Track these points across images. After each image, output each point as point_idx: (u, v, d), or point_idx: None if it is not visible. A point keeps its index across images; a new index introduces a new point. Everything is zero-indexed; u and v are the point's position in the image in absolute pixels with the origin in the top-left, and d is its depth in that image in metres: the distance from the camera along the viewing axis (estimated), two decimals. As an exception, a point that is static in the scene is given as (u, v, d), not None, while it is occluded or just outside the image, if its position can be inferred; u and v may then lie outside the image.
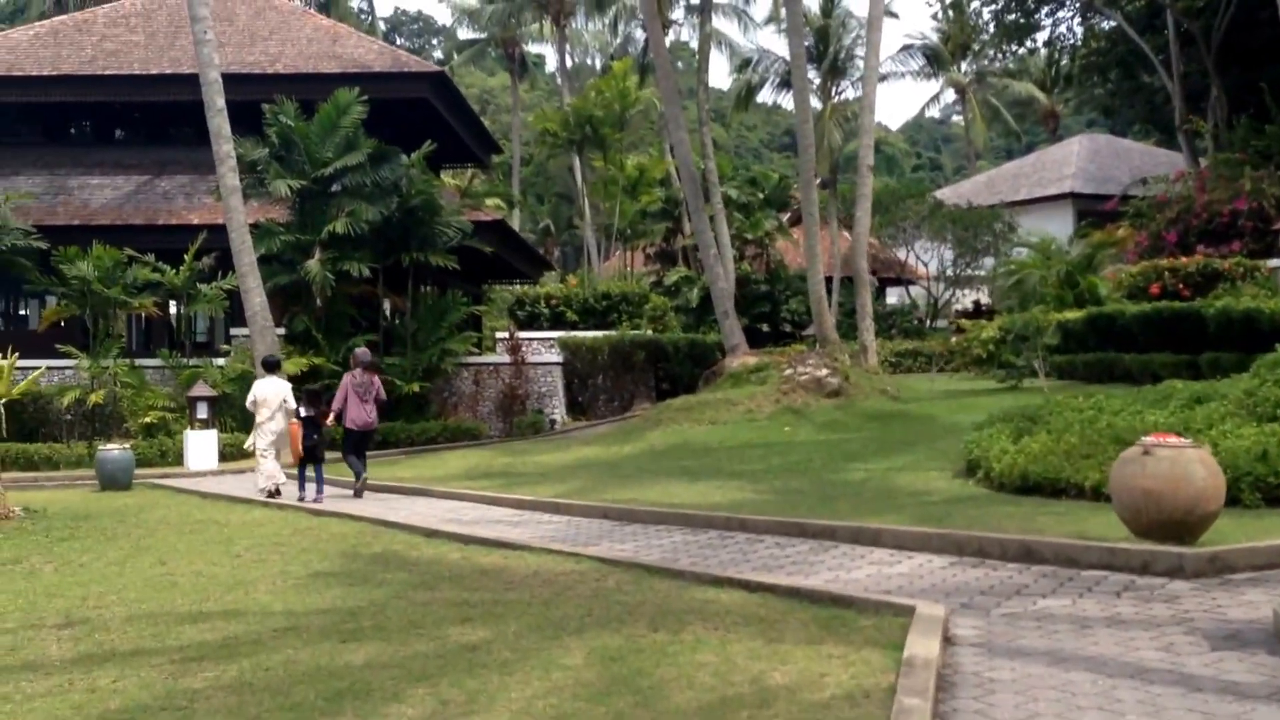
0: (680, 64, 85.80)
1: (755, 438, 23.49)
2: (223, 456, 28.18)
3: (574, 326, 37.26)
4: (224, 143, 29.79)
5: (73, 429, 31.37)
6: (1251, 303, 24.36)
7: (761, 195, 54.12)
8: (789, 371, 26.60)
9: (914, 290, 54.37)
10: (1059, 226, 46.72)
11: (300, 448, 20.67)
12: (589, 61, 78.65)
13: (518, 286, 44.73)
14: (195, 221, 34.13)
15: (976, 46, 66.97)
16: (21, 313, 40.64)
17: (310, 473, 20.62)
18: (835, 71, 49.59)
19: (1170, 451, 10.69)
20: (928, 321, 51.84)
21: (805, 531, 13.59)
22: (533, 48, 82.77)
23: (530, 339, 35.65)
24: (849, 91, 50.61)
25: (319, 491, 20.34)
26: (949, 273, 50.63)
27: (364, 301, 33.41)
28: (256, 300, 29.71)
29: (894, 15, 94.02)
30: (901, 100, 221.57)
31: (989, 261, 47.88)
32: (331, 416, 21.39)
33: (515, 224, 64.24)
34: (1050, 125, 78.20)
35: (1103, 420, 16.22)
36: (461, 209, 33.32)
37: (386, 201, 31.92)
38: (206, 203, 34.74)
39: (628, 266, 54.64)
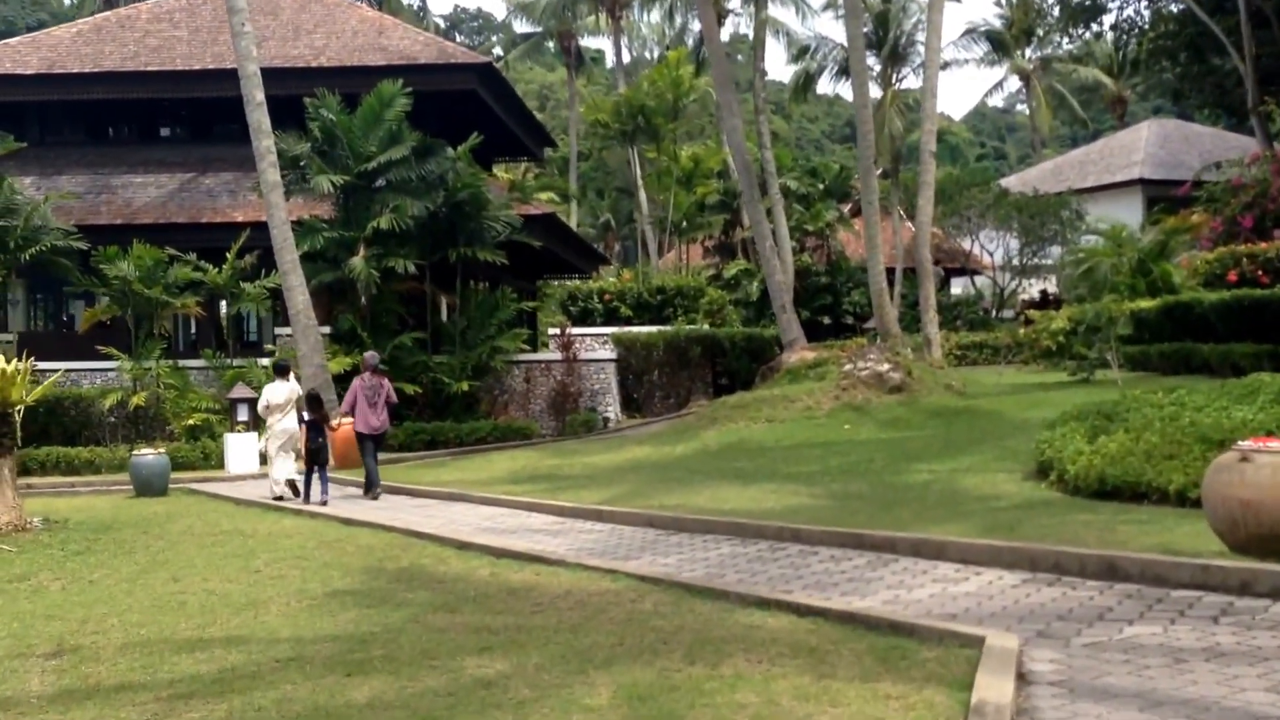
0: (740, 57, 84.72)
1: (813, 436, 22.40)
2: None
3: (628, 322, 36.29)
4: (264, 138, 29.03)
5: (115, 432, 30.72)
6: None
7: (822, 186, 53.05)
8: (849, 367, 25.46)
9: (979, 280, 52.97)
10: (1128, 214, 45.16)
11: (304, 451, 20.73)
12: (647, 54, 77.67)
13: (573, 282, 43.76)
14: (239, 219, 33.38)
15: (1041, 31, 65.27)
16: (68, 314, 40.04)
17: (315, 477, 20.60)
18: (895, 58, 48.31)
19: (1272, 458, 9.55)
20: (994, 312, 50.45)
21: (863, 543, 12.51)
22: (591, 42, 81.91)
23: (583, 335, 34.71)
24: (910, 79, 49.42)
25: (324, 493, 20.28)
26: (1015, 262, 49.22)
27: (411, 299, 32.57)
28: (299, 299, 28.91)
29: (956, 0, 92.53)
30: (964, 88, 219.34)
31: (1056, 250, 46.43)
32: (340, 420, 21.61)
33: (573, 219, 63.41)
34: (1117, 111, 76.27)
35: (1185, 417, 15.04)
36: (510, 203, 32.36)
37: (432, 196, 31.04)
38: (251, 200, 33.94)
39: (685, 260, 53.60)
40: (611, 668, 8.42)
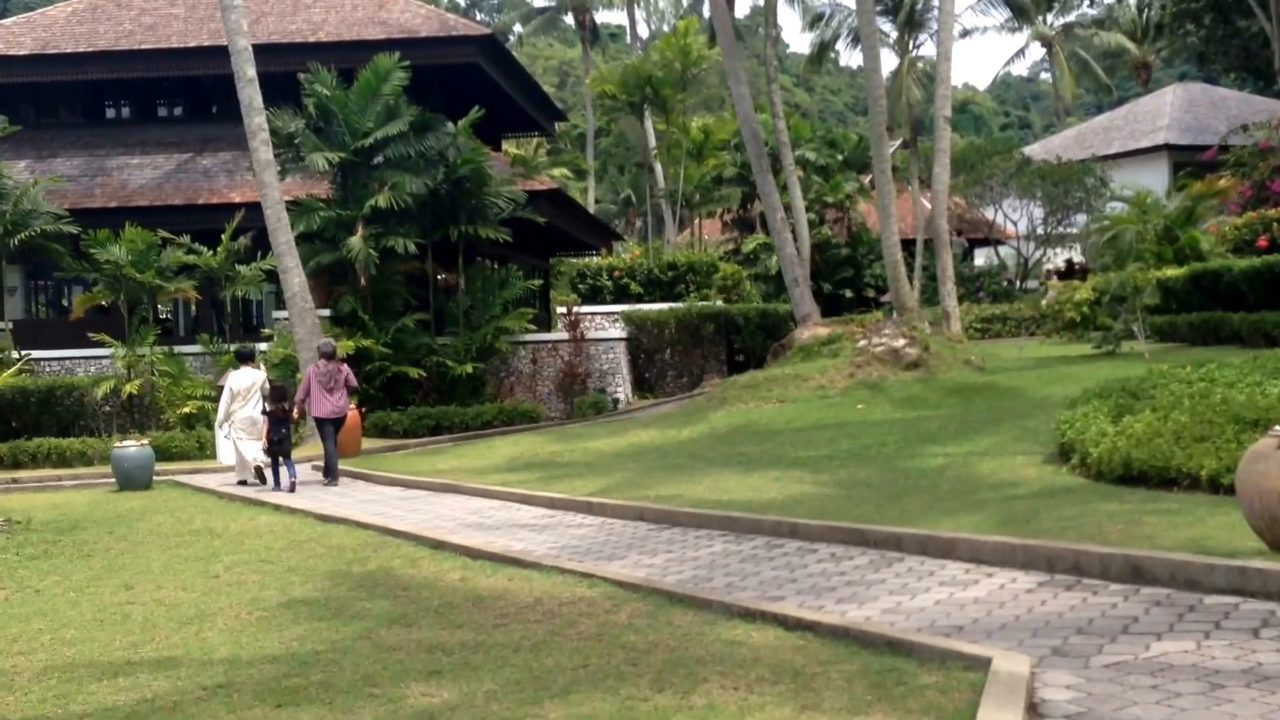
0: (760, 30, 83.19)
1: (825, 417, 21.34)
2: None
3: (639, 299, 35.20)
4: (255, 115, 28.07)
5: (110, 421, 29.85)
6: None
7: (841, 157, 51.89)
8: (863, 343, 24.36)
9: (1003, 251, 51.75)
10: (1154, 180, 43.87)
11: (267, 443, 20.81)
12: (665, 27, 76.38)
13: (584, 259, 42.63)
14: (237, 199, 32.47)
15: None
16: (68, 301, 39.18)
17: (282, 467, 20.73)
18: (912, 25, 46.99)
19: (1316, 444, 8.48)
20: (1018, 283, 49.26)
21: (866, 540, 11.48)
22: (608, 16, 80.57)
23: (592, 314, 33.68)
24: (928, 46, 48.10)
25: (291, 475, 20.43)
26: (1039, 231, 48.01)
27: (414, 280, 31.63)
28: (295, 281, 27.98)
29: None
30: (987, 57, 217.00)
31: (1081, 219, 45.18)
32: (296, 410, 21.31)
33: (590, 195, 62.31)
34: (1142, 77, 74.59)
35: (1216, 394, 13.97)
36: (514, 178, 31.35)
37: (432, 172, 30.07)
38: (249, 180, 32.97)
39: (696, 235, 52.48)
40: (570, 696, 7.43)
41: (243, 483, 21.48)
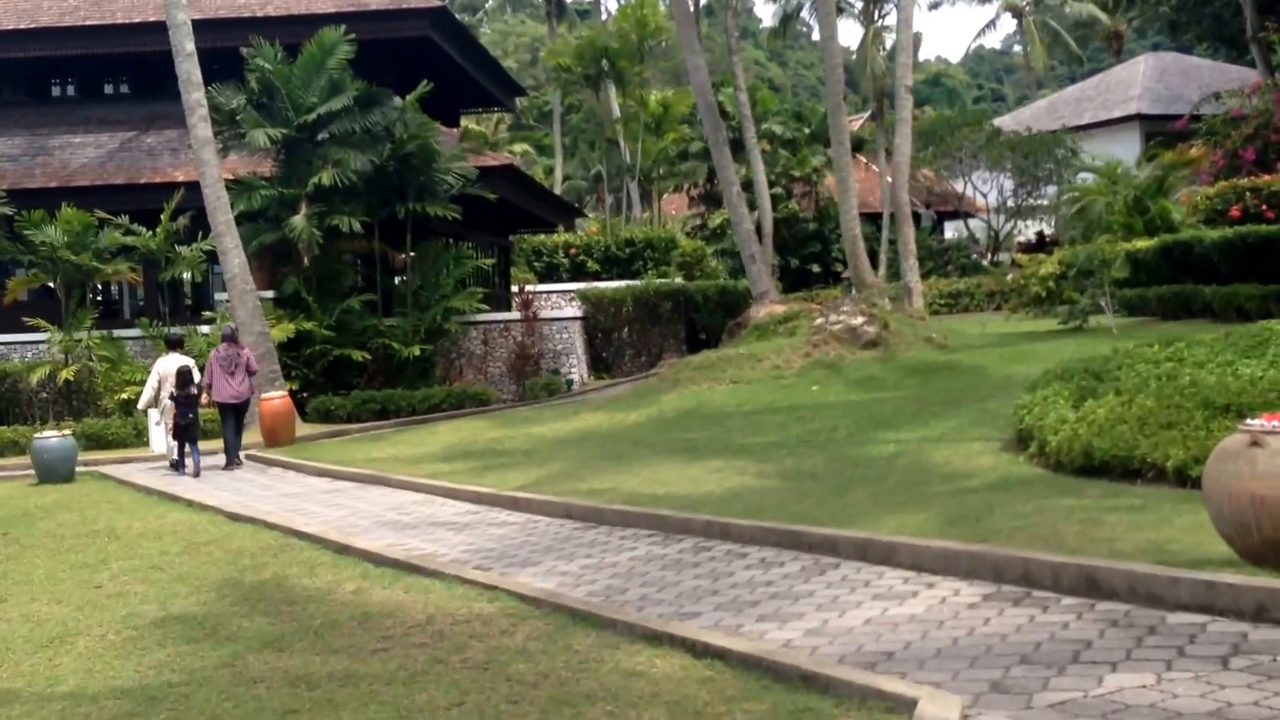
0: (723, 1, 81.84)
1: (778, 399, 20.33)
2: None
3: (596, 277, 34.15)
4: (194, 90, 27.02)
5: (48, 408, 28.73)
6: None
7: (808, 130, 50.81)
8: (820, 321, 23.33)
9: (973, 224, 50.78)
10: (1126, 151, 42.82)
11: (174, 428, 21.10)
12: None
13: (539, 237, 41.39)
14: (180, 178, 31.10)
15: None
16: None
17: (188, 453, 20.87)
18: (879, -8, 45.87)
19: (1292, 441, 7.49)
20: (988, 256, 48.36)
21: (800, 543, 10.48)
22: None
23: (547, 292, 32.61)
24: (894, 16, 46.97)
25: (196, 464, 20.51)
26: (1009, 204, 47.09)
27: (363, 259, 30.55)
28: (235, 261, 26.89)
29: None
30: (959, 30, 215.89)
31: (1052, 190, 44.27)
32: (204, 396, 21.43)
33: (558, 171, 61.07)
34: (1114, 47, 73.51)
35: (1185, 376, 13.01)
36: (464, 154, 30.21)
37: (378, 149, 28.99)
38: (193, 158, 31.72)
39: (657, 211, 51.31)
40: (434, 743, 6.42)
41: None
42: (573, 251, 34.76)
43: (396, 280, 30.62)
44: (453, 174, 29.36)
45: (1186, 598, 7.53)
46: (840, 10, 44.86)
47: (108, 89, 37.30)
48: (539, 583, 10.14)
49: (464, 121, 45.03)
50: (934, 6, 72.83)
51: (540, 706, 6.90)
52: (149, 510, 16.50)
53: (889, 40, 46.22)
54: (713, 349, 26.03)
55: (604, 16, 71.97)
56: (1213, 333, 16.74)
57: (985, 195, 47.28)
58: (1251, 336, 14.69)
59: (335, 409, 27.65)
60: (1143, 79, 53.09)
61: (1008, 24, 78.57)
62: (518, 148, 54.55)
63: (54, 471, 20.84)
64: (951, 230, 54.74)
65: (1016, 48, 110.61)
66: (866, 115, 53.45)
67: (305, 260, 28.51)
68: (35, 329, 28.65)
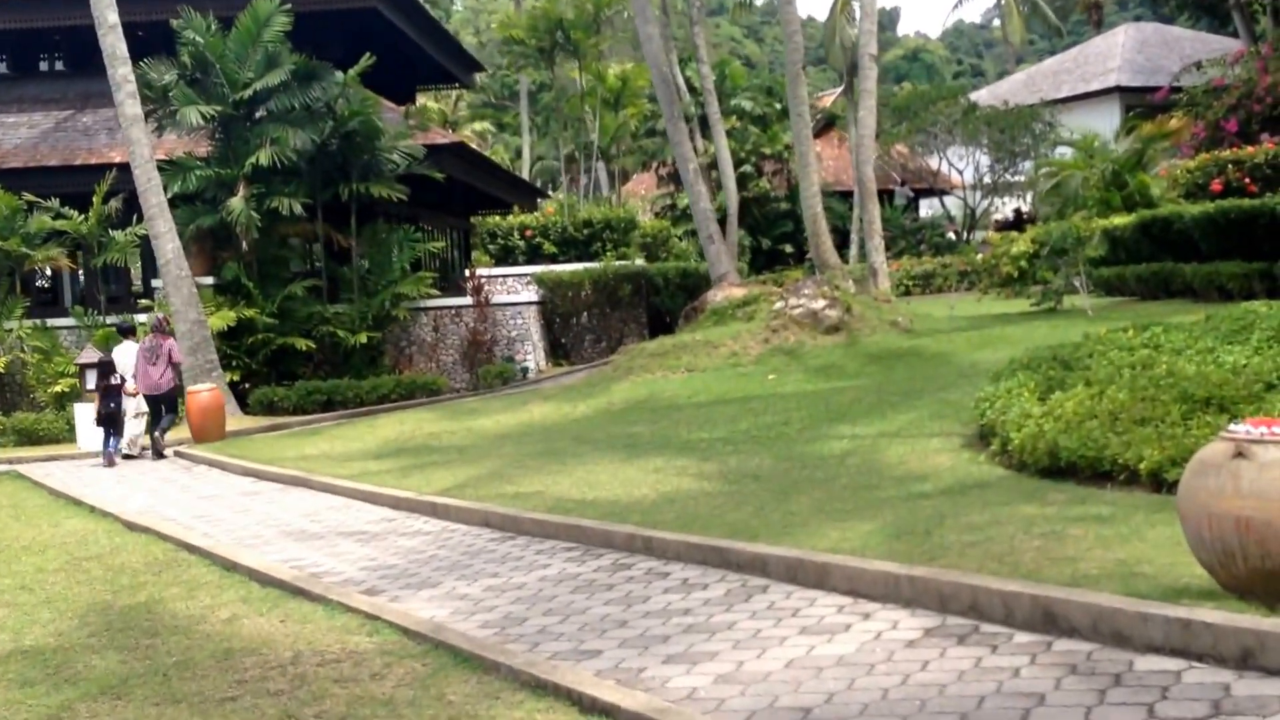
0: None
1: (732, 389, 19.15)
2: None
3: (553, 260, 32.87)
4: (120, 65, 25.90)
5: (-22, 402, 27.51)
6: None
7: (780, 106, 49.57)
8: (780, 305, 22.12)
9: (949, 201, 49.63)
10: (1105, 124, 41.67)
11: (97, 416, 21.20)
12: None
13: (492, 218, 40.00)
14: (117, 159, 29.74)
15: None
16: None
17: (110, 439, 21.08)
18: (848, -39, 44.58)
19: (1283, 454, 6.31)
20: (964, 234, 47.23)
21: (728, 561, 9.31)
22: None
23: (503, 276, 31.37)
24: (864, -16, 45.72)
25: (115, 451, 20.92)
26: (986, 180, 45.94)
27: (306, 243, 29.29)
28: (169, 246, 25.71)
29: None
30: (937, 3, 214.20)
31: (1029, 166, 43.11)
32: (132, 385, 21.55)
33: (526, 150, 59.64)
34: (1094, 18, 71.99)
35: (1161, 364, 11.84)
36: (412, 132, 28.92)
37: (319, 126, 27.75)
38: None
39: (631, 190, 49.96)
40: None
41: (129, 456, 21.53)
42: (529, 233, 33.47)
43: (344, 266, 29.30)
44: (398, 152, 28.13)
45: (1159, 638, 6.36)
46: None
47: (42, 66, 36.01)
48: (431, 610, 8.98)
49: (422, 99, 43.78)
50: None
51: (382, 784, 5.71)
52: (47, 517, 15.28)
53: (859, 11, 44.96)
54: (663, 336, 24.81)
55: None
56: (1193, 314, 15.65)
57: (961, 172, 46.20)
58: (1234, 320, 13.50)
59: (279, 400, 26.43)
60: (1122, 50, 51.87)
61: (985, -2, 77.17)
62: (478, 126, 53.21)
63: (-38, 472, 19.61)
64: (927, 208, 53.60)
65: (996, 22, 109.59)
66: (839, 90, 52.20)
67: (244, 244, 27.28)
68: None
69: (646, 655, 7.41)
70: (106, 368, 21.44)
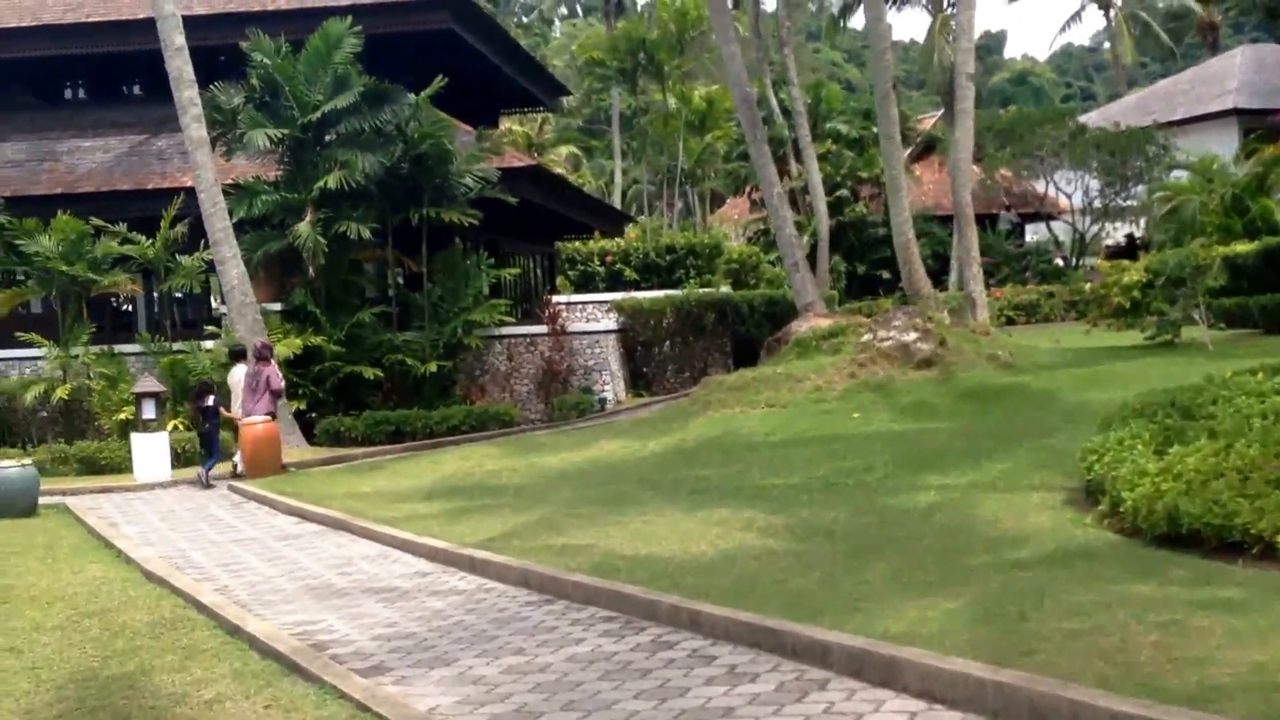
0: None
1: (813, 428, 17.70)
2: (185, 460, 23.35)
3: (635, 286, 31.56)
4: (185, 88, 25.11)
5: (45, 429, 26.72)
6: None
7: (875, 129, 47.93)
8: (868, 337, 20.62)
9: (1056, 226, 47.80)
10: (1223, 147, 39.84)
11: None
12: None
13: (579, 243, 38.73)
14: (187, 184, 28.89)
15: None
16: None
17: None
18: (945, -23, 43.02)
19: None
20: (1073, 261, 45.40)
21: (783, 645, 7.94)
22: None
23: (582, 302, 30.07)
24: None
25: (206, 469, 21.20)
26: (1096, 204, 44.16)
27: (376, 269, 28.35)
28: (233, 272, 24.82)
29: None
30: (1046, 26, 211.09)
31: (1142, 190, 41.27)
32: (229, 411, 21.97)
33: (618, 174, 58.64)
34: (1209, 39, 69.98)
35: (1297, 413, 10.30)
36: (486, 155, 27.80)
37: (388, 149, 26.70)
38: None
39: (723, 214, 48.56)
40: None
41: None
42: (609, 259, 32.17)
43: (416, 292, 28.26)
44: (471, 176, 27.01)
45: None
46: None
47: (121, 90, 35.41)
48: (437, 697, 7.74)
49: (506, 123, 42.77)
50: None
51: None
52: (73, 561, 14.17)
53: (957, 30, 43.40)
54: (739, 370, 23.40)
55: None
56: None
57: (1069, 196, 44.50)
58: (1377, 359, 11.91)
59: (345, 430, 25.37)
60: (1239, 71, 49.86)
61: (1097, 20, 74.99)
62: (563, 150, 52.10)
63: (11, 505, 18.57)
64: (1032, 234, 51.80)
65: (1106, 44, 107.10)
66: (939, 114, 50.60)
67: (311, 270, 26.31)
68: (28, 344, 26.63)
69: (669, 776, 6.06)
70: (202, 389, 22.06)
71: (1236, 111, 46.33)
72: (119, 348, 27.31)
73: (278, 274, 27.65)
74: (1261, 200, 26.27)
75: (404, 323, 27.83)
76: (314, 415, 26.11)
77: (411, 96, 27.16)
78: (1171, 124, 45.60)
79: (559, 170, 46.52)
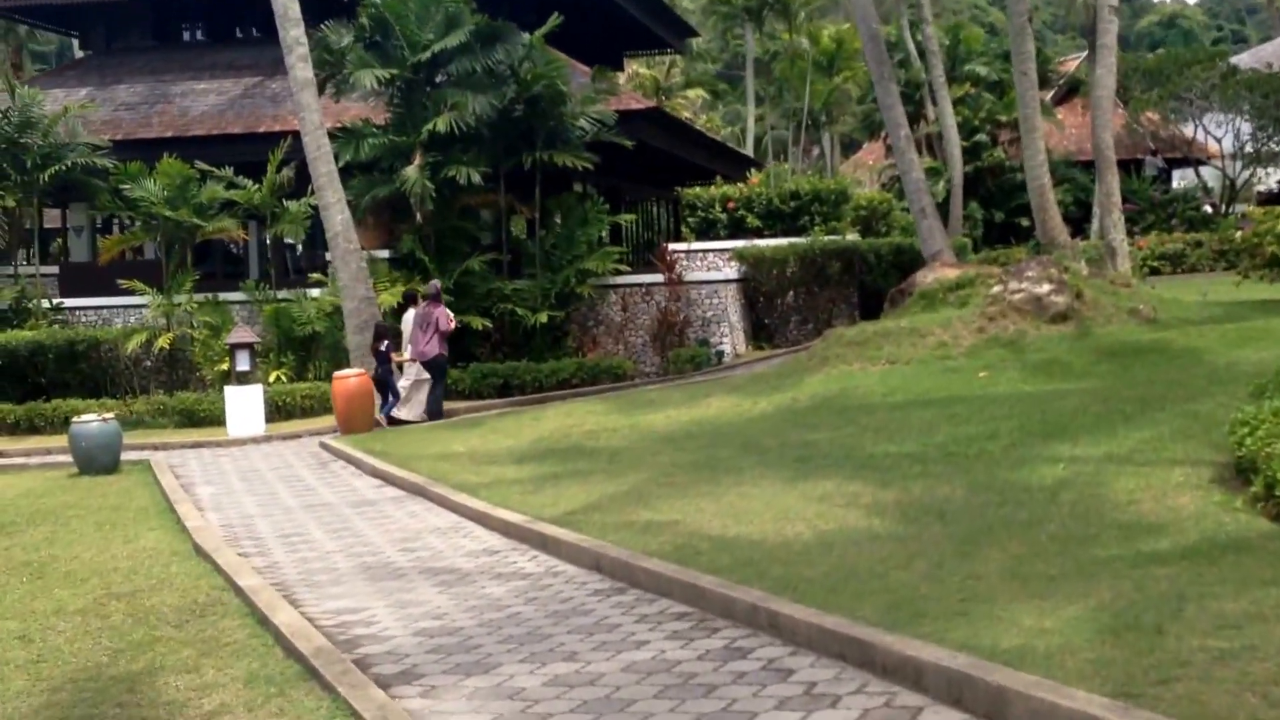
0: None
1: (935, 388, 16.35)
2: (285, 413, 22.71)
3: (757, 233, 30.18)
4: (292, 27, 24.29)
5: (149, 379, 26.29)
6: None
7: (1014, 69, 45.97)
8: (998, 289, 19.10)
9: (1205, 172, 45.56)
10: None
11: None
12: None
13: (700, 189, 37.38)
14: (298, 127, 28.37)
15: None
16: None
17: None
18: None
19: None
20: (1222, 208, 43.21)
21: (871, 659, 6.76)
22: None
23: (702, 251, 28.83)
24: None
25: (385, 411, 21.50)
26: (1248, 149, 41.93)
27: (494, 215, 27.46)
28: (338, 218, 23.99)
29: None
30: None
31: (1299, 134, 39.12)
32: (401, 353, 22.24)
33: (750, 119, 57.19)
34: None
35: None
36: (600, 96, 26.66)
37: (500, 91, 25.67)
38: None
39: (829, 159, 46.92)
40: None
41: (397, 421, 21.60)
42: (731, 206, 30.85)
43: (530, 239, 27.31)
44: (586, 118, 25.91)
45: None
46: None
47: (238, 32, 34.82)
48: (463, 718, 6.66)
49: (633, 66, 41.58)
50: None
51: None
52: (132, 527, 13.44)
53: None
54: (860, 324, 22.01)
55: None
56: None
57: (1219, 140, 42.33)
58: None
59: (452, 383, 24.48)
60: (1400, 9, 47.05)
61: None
62: (691, 93, 50.72)
63: (93, 461, 18.09)
64: (1179, 180, 49.51)
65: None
66: (1083, 55, 48.50)
67: (418, 216, 25.44)
68: (131, 291, 26.17)
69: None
70: (380, 333, 22.08)
71: (1397, 50, 43.78)
72: (224, 296, 26.80)
73: (386, 220, 26.88)
74: None
75: (515, 271, 26.94)
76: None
77: (525, 35, 26.13)
78: (1329, 65, 43.21)
79: (686, 115, 45.25)
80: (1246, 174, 43.26)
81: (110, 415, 19.09)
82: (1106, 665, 6.06)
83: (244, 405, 21.41)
